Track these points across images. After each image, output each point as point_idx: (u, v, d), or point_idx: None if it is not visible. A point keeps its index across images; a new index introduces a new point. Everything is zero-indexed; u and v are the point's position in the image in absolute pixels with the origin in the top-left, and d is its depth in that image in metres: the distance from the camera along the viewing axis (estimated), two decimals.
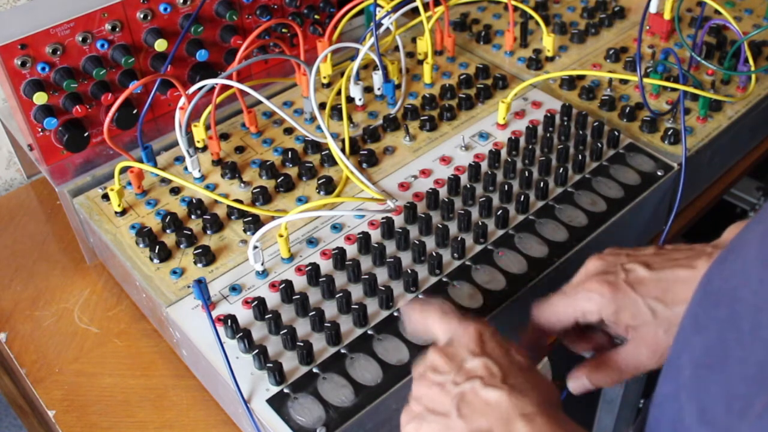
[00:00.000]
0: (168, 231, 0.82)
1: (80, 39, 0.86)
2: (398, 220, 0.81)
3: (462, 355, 0.59)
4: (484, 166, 0.87)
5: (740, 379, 0.43)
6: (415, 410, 0.58)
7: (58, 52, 0.84)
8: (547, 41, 1.03)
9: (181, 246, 0.81)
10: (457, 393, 0.56)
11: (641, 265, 0.64)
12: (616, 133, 0.89)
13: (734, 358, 0.43)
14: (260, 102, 0.88)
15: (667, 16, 1.06)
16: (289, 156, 0.89)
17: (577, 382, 0.67)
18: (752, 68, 0.96)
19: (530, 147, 0.88)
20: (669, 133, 0.91)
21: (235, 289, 0.76)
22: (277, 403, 0.67)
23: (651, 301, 0.63)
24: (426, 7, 0.99)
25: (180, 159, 0.91)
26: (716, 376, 0.45)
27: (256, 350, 0.69)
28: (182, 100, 0.85)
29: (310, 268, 0.76)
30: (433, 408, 0.57)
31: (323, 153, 0.89)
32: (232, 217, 0.83)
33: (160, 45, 0.90)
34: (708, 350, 0.46)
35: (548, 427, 0.53)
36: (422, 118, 0.93)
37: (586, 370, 0.67)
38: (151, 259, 0.80)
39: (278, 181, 0.86)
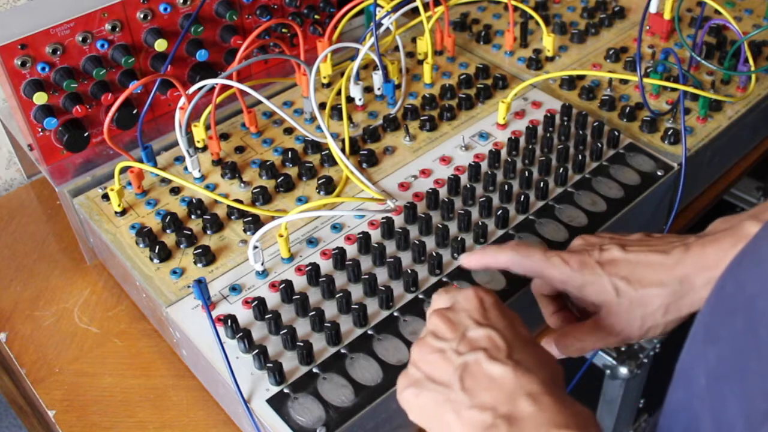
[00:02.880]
0: (168, 231, 0.82)
1: (80, 39, 0.86)
2: (398, 220, 0.81)
3: (465, 323, 0.58)
4: (484, 166, 0.87)
5: (759, 393, 0.42)
6: (413, 375, 0.57)
7: (58, 52, 0.84)
8: (547, 41, 1.03)
9: (181, 246, 0.81)
10: (460, 363, 0.55)
11: (617, 246, 0.66)
12: (616, 133, 0.89)
13: (753, 371, 0.43)
14: (260, 102, 0.88)
15: (667, 16, 1.06)
16: (289, 156, 0.89)
17: (547, 348, 0.68)
18: (752, 68, 0.96)
19: (530, 147, 0.88)
20: (669, 133, 0.91)
21: (235, 289, 0.76)
22: (277, 403, 0.67)
23: (616, 280, 0.64)
24: (426, 7, 0.99)
25: (180, 159, 0.91)
26: (734, 389, 0.44)
27: (256, 350, 0.69)
28: (182, 100, 0.85)
29: (310, 268, 0.76)
30: (434, 376, 0.56)
31: (323, 153, 0.89)
32: (232, 217, 0.83)
33: (160, 45, 0.90)
34: (723, 361, 0.46)
35: (553, 407, 0.52)
36: (422, 118, 0.93)
37: (554, 337, 0.68)
38: (151, 259, 0.80)
39: (278, 181, 0.86)
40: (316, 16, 1.02)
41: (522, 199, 0.82)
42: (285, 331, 0.70)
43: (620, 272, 0.64)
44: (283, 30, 1.02)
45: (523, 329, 0.59)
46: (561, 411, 0.52)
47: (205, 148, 0.91)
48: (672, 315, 0.64)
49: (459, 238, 0.77)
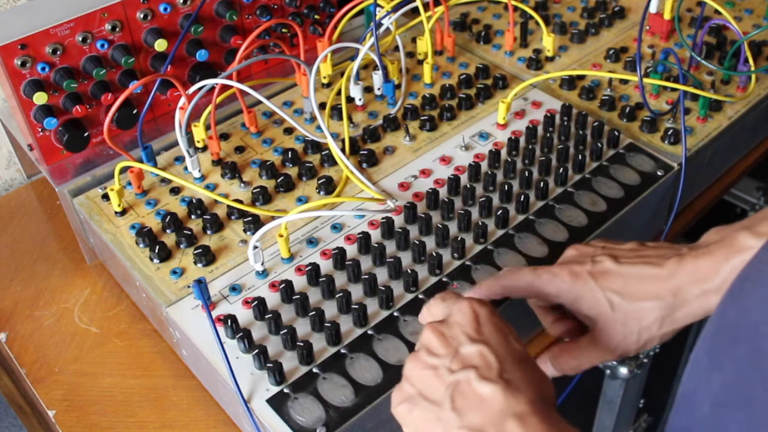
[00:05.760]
0: (168, 231, 0.82)
1: (80, 39, 0.86)
2: (398, 220, 0.81)
3: (458, 339, 0.58)
4: (484, 166, 0.87)
5: (764, 422, 0.41)
6: (407, 391, 0.58)
7: (58, 52, 0.84)
8: (547, 41, 1.03)
9: (181, 246, 0.81)
10: (451, 382, 0.55)
11: (610, 258, 0.65)
12: (616, 133, 0.89)
13: (758, 400, 0.42)
14: (260, 102, 0.88)
15: (667, 16, 1.06)
16: (289, 156, 0.89)
17: (543, 366, 0.68)
18: (752, 68, 0.96)
19: (530, 147, 0.88)
20: (669, 133, 0.91)
21: (235, 289, 0.76)
22: (277, 403, 0.67)
23: (610, 294, 0.64)
24: (426, 7, 0.99)
25: (180, 159, 0.91)
26: (737, 416, 0.44)
27: (256, 350, 0.69)
28: (182, 100, 0.85)
29: (310, 268, 0.76)
30: (426, 393, 0.57)
31: (323, 153, 0.89)
32: (232, 217, 0.83)
33: (160, 45, 0.90)
34: (727, 388, 0.45)
35: (540, 427, 0.52)
36: (422, 118, 0.93)
37: (550, 355, 0.68)
38: (151, 259, 0.80)
39: (278, 181, 0.86)
40: (316, 16, 1.02)
41: (522, 199, 0.82)
42: (285, 331, 0.70)
43: (613, 285, 0.64)
44: (283, 30, 1.02)
45: (517, 344, 0.58)
46: (548, 430, 0.52)
47: (205, 148, 0.91)
48: (667, 327, 0.64)
49: (459, 238, 0.77)
